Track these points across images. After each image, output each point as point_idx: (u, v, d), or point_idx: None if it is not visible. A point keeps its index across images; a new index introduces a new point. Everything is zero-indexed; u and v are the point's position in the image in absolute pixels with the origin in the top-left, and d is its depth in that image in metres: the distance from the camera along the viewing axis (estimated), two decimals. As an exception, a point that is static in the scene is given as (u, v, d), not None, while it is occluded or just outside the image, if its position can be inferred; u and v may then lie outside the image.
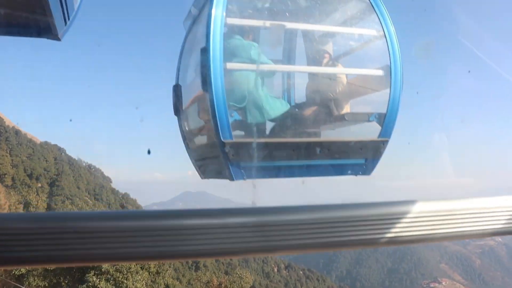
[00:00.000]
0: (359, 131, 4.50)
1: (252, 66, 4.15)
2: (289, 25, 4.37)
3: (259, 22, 4.20)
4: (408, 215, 0.98)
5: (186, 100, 4.73)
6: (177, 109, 4.77)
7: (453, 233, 1.01)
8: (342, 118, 4.24)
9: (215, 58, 3.69)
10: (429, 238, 1.00)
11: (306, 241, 0.90)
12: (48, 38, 2.45)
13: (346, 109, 4.42)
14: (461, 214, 1.02)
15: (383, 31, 4.23)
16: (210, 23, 3.73)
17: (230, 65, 3.86)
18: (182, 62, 4.99)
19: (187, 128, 4.97)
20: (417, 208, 0.99)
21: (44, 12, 2.15)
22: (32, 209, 34.67)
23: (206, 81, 3.73)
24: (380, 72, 4.27)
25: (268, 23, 4.12)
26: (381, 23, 4.23)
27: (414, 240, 0.99)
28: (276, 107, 4.35)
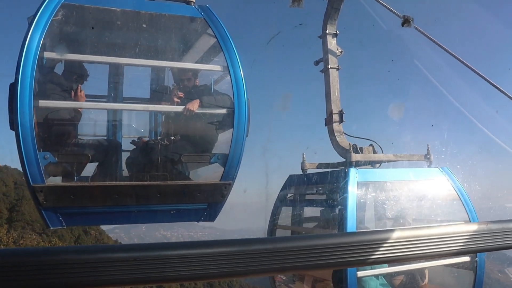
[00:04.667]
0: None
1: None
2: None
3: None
4: (387, 241, 1.18)
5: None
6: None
7: (420, 254, 1.22)
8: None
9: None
10: (402, 259, 1.23)
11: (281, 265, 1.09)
12: None
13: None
14: (425, 238, 1.22)
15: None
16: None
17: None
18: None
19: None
20: (396, 234, 1.19)
21: None
22: (2, 246, 33.62)
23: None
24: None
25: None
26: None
27: (389, 260, 1.21)
28: None
